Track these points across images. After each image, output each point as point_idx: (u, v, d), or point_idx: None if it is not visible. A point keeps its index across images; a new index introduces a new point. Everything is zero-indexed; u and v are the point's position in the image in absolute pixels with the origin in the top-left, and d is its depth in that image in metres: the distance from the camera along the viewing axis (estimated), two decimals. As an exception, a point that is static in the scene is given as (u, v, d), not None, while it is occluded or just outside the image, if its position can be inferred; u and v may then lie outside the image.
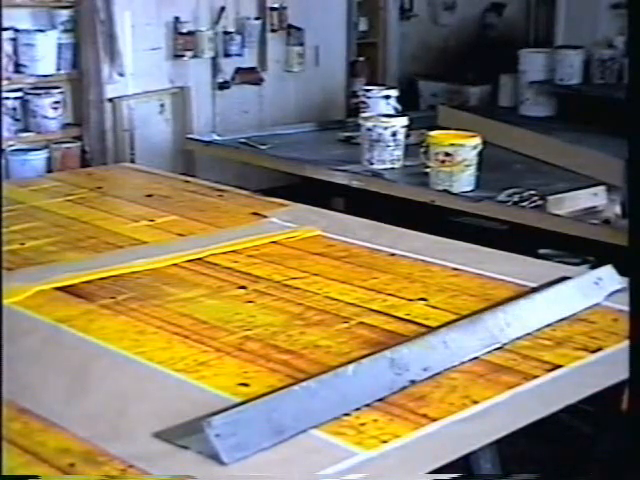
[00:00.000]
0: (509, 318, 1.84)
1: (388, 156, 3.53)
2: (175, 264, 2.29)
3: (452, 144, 3.20)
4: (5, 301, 1.98)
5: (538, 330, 1.84)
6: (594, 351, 1.77)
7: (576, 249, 2.85)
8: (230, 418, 1.43)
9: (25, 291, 2.07)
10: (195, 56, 4.68)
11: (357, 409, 1.53)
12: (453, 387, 1.62)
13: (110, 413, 1.56)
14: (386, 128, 3.53)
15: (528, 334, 1.83)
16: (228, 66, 4.86)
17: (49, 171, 4.11)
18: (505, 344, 1.78)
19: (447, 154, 3.20)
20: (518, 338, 1.81)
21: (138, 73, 4.47)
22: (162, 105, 4.69)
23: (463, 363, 1.70)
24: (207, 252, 2.35)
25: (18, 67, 4.10)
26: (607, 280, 2.04)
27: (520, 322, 1.84)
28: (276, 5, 4.98)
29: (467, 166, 3.19)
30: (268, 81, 4.97)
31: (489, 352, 1.75)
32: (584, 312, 1.95)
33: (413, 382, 1.61)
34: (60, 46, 4.21)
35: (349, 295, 2.08)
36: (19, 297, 2.04)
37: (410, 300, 2.04)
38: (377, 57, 5.60)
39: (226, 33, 4.80)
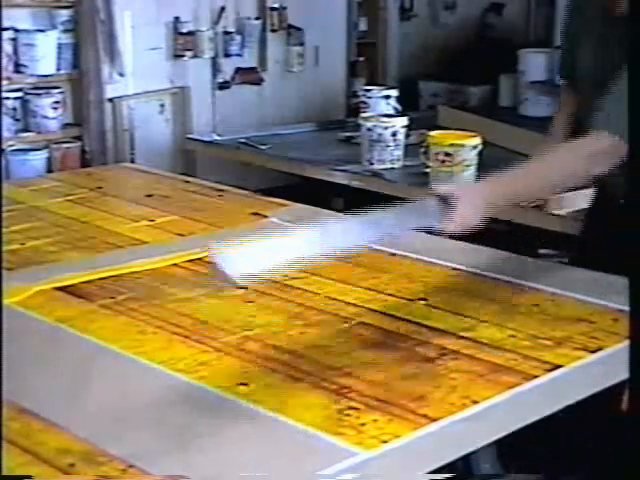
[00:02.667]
0: None
1: (388, 156, 3.53)
2: (175, 264, 2.29)
3: (452, 144, 3.20)
4: (5, 301, 1.99)
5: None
6: (594, 351, 1.77)
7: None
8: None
9: (25, 291, 2.07)
10: (195, 56, 4.69)
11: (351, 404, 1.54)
12: (453, 387, 1.62)
13: (110, 413, 1.56)
14: (386, 128, 3.53)
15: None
16: (228, 66, 4.86)
17: (49, 171, 4.11)
18: None
19: (447, 154, 3.19)
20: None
21: (138, 73, 4.48)
22: (162, 105, 4.70)
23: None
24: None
25: (18, 67, 4.11)
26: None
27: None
28: (276, 5, 4.98)
29: (467, 166, 3.19)
30: (268, 81, 4.97)
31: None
32: (584, 312, 1.95)
33: None
34: (60, 46, 4.21)
35: (349, 295, 2.08)
36: (19, 297, 2.04)
37: (410, 300, 2.04)
38: (377, 57, 5.61)
39: (226, 33, 4.80)
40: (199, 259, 2.31)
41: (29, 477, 1.35)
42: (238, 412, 1.55)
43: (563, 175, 2.08)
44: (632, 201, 1.53)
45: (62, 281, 2.14)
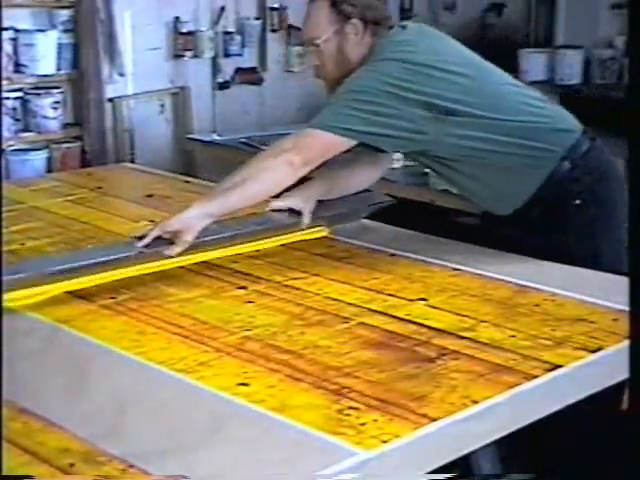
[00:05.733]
0: None
1: (388, 156, 3.53)
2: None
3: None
4: (13, 304, 1.99)
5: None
6: (594, 351, 1.77)
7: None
8: None
9: (36, 295, 2.06)
10: (195, 56, 4.69)
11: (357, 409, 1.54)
12: (453, 387, 1.62)
13: (110, 413, 1.56)
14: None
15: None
16: (228, 66, 4.87)
17: (49, 171, 4.11)
18: None
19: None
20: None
21: (138, 73, 4.48)
22: (162, 105, 4.70)
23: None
24: (213, 255, 2.33)
25: (18, 67, 4.11)
26: None
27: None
28: (276, 5, 4.98)
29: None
30: (268, 81, 4.97)
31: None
32: (584, 312, 1.95)
33: None
34: (60, 46, 4.21)
35: (349, 295, 2.08)
36: (29, 301, 2.04)
37: (410, 300, 2.04)
38: (377, 57, 5.60)
39: (226, 33, 4.80)
40: (206, 262, 2.31)
41: (30, 477, 1.35)
42: (238, 412, 1.56)
43: (266, 177, 2.24)
44: (633, 202, 1.53)
45: (69, 286, 2.11)
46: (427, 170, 3.28)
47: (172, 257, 2.22)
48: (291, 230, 2.47)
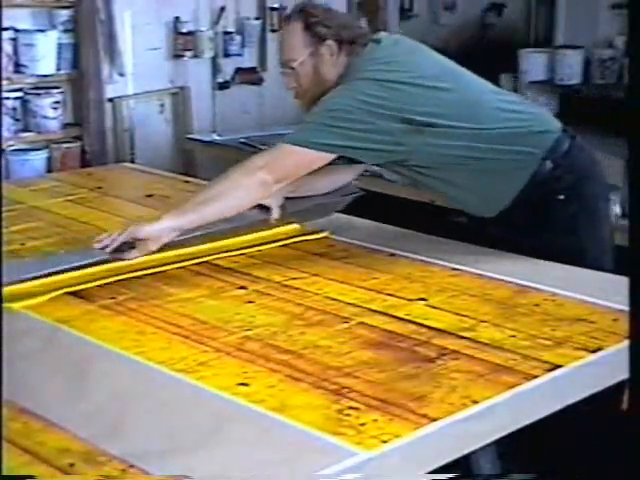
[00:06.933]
0: None
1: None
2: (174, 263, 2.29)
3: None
4: (15, 305, 1.99)
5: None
6: (594, 351, 1.77)
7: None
8: None
9: (39, 296, 2.06)
10: (195, 56, 4.69)
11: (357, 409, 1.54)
12: (453, 387, 1.62)
13: (110, 413, 1.56)
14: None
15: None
16: (228, 66, 4.86)
17: (49, 171, 4.11)
18: None
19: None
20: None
21: (138, 73, 4.48)
22: (162, 105, 4.70)
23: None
24: (213, 256, 2.33)
25: (18, 67, 4.11)
26: None
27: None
28: (276, 5, 4.98)
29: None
30: (268, 81, 4.97)
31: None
32: (584, 312, 1.95)
33: None
34: (60, 46, 4.21)
35: (349, 295, 2.08)
36: (31, 302, 2.04)
37: (410, 300, 2.04)
38: (377, 57, 5.60)
39: (226, 33, 4.80)
40: (206, 262, 2.31)
41: (31, 477, 1.35)
42: (238, 412, 1.56)
43: (238, 194, 2.25)
44: (633, 202, 1.53)
45: (71, 287, 2.12)
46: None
47: (130, 260, 2.24)
48: (262, 226, 2.48)
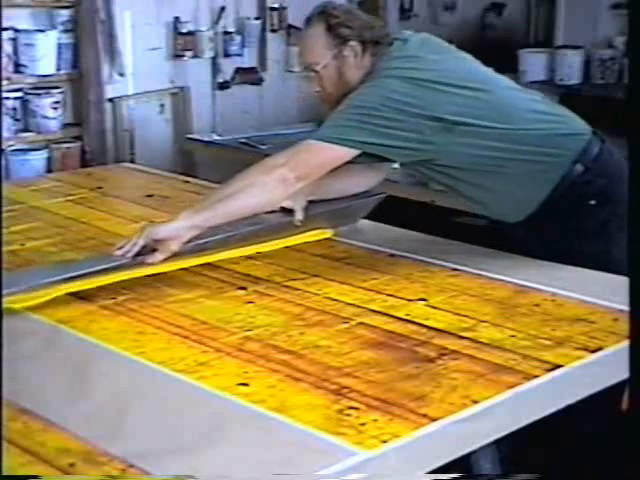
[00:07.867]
0: None
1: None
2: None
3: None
4: (16, 305, 1.99)
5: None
6: (594, 351, 1.77)
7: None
8: None
9: (39, 297, 2.05)
10: (195, 56, 4.68)
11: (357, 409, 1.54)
12: (453, 387, 1.62)
13: (110, 413, 1.56)
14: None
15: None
16: (228, 66, 4.86)
17: (49, 171, 4.11)
18: None
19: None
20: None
21: (138, 73, 4.48)
22: (162, 105, 4.69)
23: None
24: (217, 257, 2.33)
25: (18, 67, 4.10)
26: None
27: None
28: (276, 5, 4.97)
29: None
30: (268, 81, 4.97)
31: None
32: (584, 312, 1.95)
33: None
34: (60, 46, 4.20)
35: (349, 295, 2.08)
36: (31, 302, 2.03)
37: (410, 300, 2.04)
38: (377, 57, 5.59)
39: (226, 33, 4.80)
40: (208, 264, 2.31)
41: (36, 477, 1.36)
42: (238, 412, 1.56)
43: (256, 193, 2.21)
44: (633, 202, 1.53)
45: (72, 287, 2.11)
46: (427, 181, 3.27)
47: (154, 265, 2.19)
48: (288, 230, 2.43)
